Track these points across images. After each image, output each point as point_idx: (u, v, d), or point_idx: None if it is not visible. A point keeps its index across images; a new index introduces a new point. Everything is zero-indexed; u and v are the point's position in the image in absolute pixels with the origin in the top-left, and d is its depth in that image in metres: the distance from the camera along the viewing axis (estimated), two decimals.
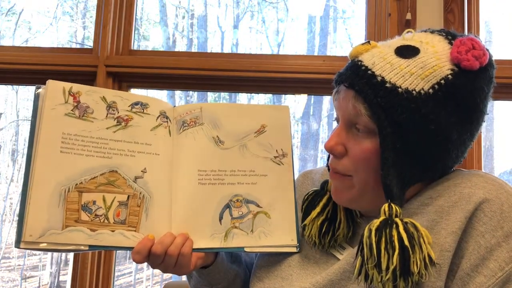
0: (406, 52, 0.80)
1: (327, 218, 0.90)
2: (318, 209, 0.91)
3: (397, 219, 0.74)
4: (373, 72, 0.78)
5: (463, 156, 0.84)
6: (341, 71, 0.84)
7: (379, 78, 0.77)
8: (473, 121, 0.81)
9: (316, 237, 0.91)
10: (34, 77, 2.05)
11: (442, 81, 0.76)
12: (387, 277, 0.71)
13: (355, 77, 0.79)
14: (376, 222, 0.75)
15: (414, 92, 0.76)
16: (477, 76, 0.79)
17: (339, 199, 0.88)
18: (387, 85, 0.76)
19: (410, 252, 0.71)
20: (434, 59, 0.78)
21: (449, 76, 0.77)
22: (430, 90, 0.76)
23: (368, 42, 0.84)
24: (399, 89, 0.76)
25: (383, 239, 0.72)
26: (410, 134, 0.76)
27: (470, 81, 0.78)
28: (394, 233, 0.73)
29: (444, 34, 0.83)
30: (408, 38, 0.83)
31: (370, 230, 0.74)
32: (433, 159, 0.80)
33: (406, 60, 0.78)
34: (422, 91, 0.76)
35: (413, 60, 0.78)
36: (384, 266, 0.71)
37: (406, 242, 0.71)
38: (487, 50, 0.81)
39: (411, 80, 0.76)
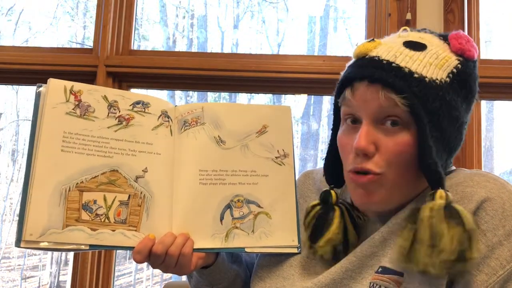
0: (415, 46, 0.82)
1: (341, 234, 0.88)
2: (335, 230, 0.88)
3: (457, 206, 0.73)
4: (398, 64, 0.79)
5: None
6: (354, 70, 0.83)
7: (406, 70, 0.78)
8: (472, 107, 0.85)
9: (328, 255, 0.89)
10: (34, 77, 2.05)
11: (455, 70, 0.80)
12: (451, 257, 0.70)
13: (381, 72, 0.79)
14: (440, 204, 0.73)
15: (437, 80, 0.78)
16: (475, 65, 0.84)
17: (368, 203, 0.84)
18: (416, 75, 0.78)
19: (475, 237, 0.71)
20: (442, 50, 0.82)
21: (459, 65, 0.81)
22: (447, 79, 0.79)
23: (373, 39, 0.85)
24: (426, 79, 0.78)
25: (452, 220, 0.71)
26: (443, 122, 0.78)
27: (472, 69, 0.83)
28: (460, 216, 0.71)
29: (429, 31, 0.88)
30: (405, 35, 0.86)
31: (435, 210, 0.73)
32: (456, 145, 0.83)
33: (421, 52, 0.81)
34: (442, 80, 0.79)
35: (426, 52, 0.81)
36: (448, 247, 0.70)
37: (473, 226, 0.71)
38: None
39: (432, 70, 0.79)
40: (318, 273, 0.88)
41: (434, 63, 0.80)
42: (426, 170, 0.77)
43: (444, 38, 0.85)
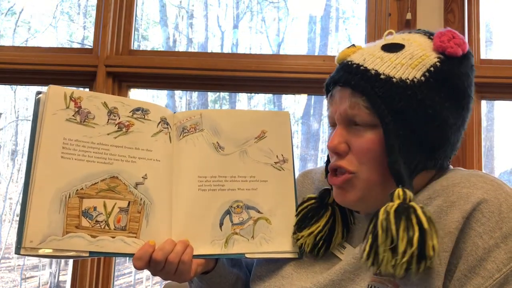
0: (392, 47, 0.84)
1: (325, 233, 0.91)
2: (320, 227, 0.91)
3: (413, 203, 0.74)
4: (366, 67, 0.82)
5: (458, 143, 0.87)
6: (332, 75, 0.88)
7: (373, 72, 0.81)
8: (463, 106, 0.84)
9: (309, 248, 0.91)
10: (34, 77, 2.06)
11: (432, 68, 0.81)
12: (404, 260, 0.70)
13: (348, 75, 0.83)
14: (393, 205, 0.74)
15: (408, 80, 0.79)
16: (461, 63, 0.83)
17: (343, 201, 0.88)
18: (382, 76, 0.80)
19: (428, 236, 0.71)
20: (420, 50, 0.83)
21: (437, 63, 0.81)
22: (422, 78, 0.80)
23: (353, 45, 0.89)
24: (394, 79, 0.79)
25: (402, 222, 0.72)
26: (411, 120, 0.79)
27: (456, 67, 0.82)
28: (413, 216, 0.72)
29: (422, 32, 0.88)
30: (389, 39, 0.88)
31: (387, 213, 0.73)
32: (434, 144, 0.82)
33: (395, 53, 0.83)
34: (415, 79, 0.80)
35: (401, 53, 0.83)
36: (401, 249, 0.70)
37: (426, 225, 0.71)
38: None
39: (403, 70, 0.80)
40: (316, 273, 0.89)
41: (407, 63, 0.81)
42: (389, 167, 0.78)
43: (432, 36, 0.86)
